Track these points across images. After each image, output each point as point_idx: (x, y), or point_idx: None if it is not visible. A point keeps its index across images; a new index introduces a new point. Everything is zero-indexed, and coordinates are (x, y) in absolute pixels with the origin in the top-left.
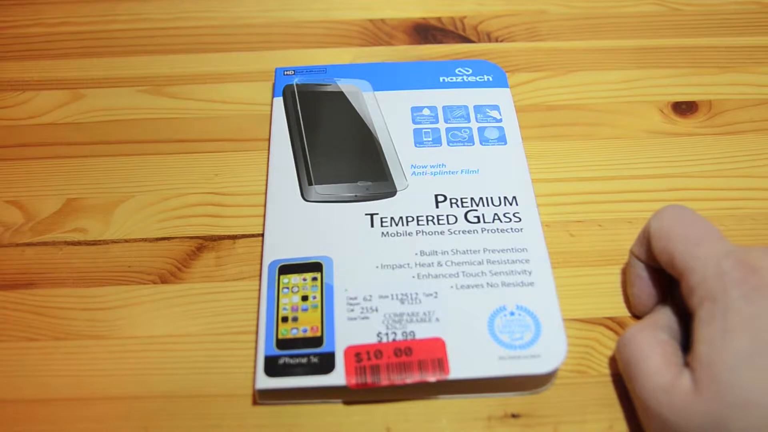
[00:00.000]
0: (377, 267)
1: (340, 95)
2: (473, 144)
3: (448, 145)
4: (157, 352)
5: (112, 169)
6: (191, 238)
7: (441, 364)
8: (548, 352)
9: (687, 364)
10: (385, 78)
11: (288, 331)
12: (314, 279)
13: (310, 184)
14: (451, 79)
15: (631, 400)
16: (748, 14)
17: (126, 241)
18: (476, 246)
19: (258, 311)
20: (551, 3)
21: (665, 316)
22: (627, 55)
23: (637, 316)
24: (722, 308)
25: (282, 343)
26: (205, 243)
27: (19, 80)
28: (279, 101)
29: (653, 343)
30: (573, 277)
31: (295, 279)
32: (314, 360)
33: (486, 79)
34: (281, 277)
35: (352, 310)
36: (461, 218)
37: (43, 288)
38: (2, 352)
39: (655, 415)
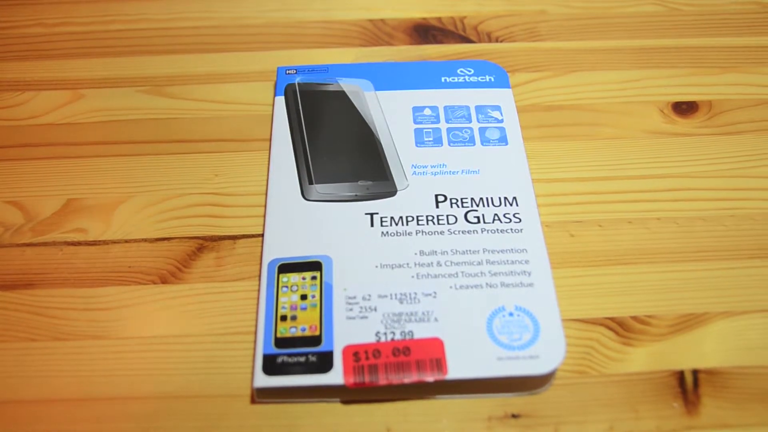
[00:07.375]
0: (376, 266)
1: (342, 95)
2: (474, 144)
3: (449, 145)
4: (157, 353)
5: (112, 169)
6: (191, 238)
7: (439, 364)
8: (547, 353)
9: None
10: (386, 78)
11: (287, 330)
12: (313, 278)
13: (311, 183)
14: (453, 79)
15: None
16: (748, 14)
17: (126, 241)
18: (476, 246)
19: (257, 310)
20: (551, 3)
21: None
22: (627, 55)
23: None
24: None
25: (280, 342)
26: (205, 243)
27: (19, 80)
28: (281, 100)
29: None
30: (573, 277)
31: (294, 278)
32: (312, 359)
33: (488, 80)
34: (280, 275)
35: (351, 310)
36: (461, 218)
37: (43, 288)
38: (2, 352)
39: None
